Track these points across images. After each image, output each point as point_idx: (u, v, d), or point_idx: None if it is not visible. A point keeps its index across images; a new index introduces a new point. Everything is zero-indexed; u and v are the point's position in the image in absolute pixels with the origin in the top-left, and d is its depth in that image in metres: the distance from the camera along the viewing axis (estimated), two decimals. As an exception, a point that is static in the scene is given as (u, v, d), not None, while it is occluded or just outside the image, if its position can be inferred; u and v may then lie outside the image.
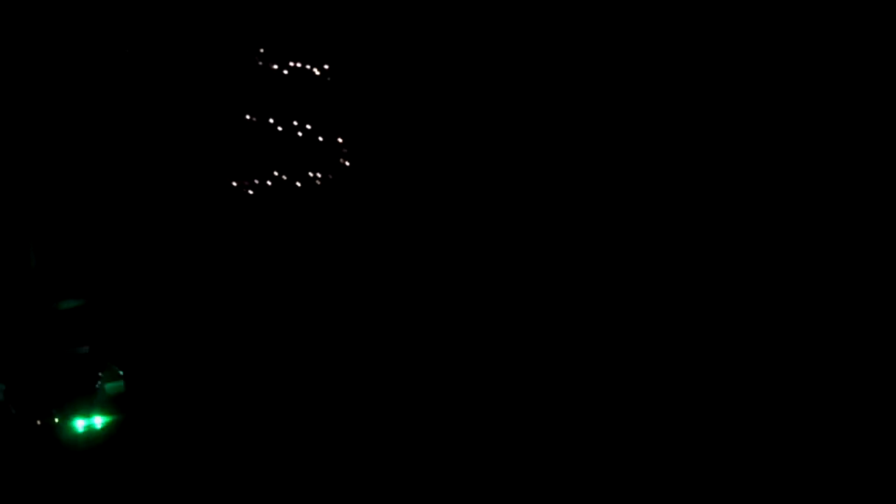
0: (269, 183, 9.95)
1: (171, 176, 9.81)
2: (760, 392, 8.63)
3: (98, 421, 8.34)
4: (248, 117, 10.01)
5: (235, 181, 9.91)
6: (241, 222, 9.95)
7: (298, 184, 9.97)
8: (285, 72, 10.06)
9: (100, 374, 8.46)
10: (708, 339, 9.23)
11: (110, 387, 8.46)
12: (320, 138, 10.09)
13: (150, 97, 9.81)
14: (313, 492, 7.99)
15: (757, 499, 7.64)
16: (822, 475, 7.69)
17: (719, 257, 9.82)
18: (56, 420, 8.23)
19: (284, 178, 9.98)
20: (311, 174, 10.05)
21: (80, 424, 8.28)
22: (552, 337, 9.50)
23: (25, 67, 9.48)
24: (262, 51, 10.03)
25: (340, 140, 10.14)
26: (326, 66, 10.14)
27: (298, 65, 10.09)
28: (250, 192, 9.93)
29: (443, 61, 10.23)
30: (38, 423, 8.27)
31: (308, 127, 10.06)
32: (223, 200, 9.91)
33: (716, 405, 8.55)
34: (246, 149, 10.02)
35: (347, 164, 10.12)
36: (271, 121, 10.02)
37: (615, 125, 10.23)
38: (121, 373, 8.50)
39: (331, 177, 10.08)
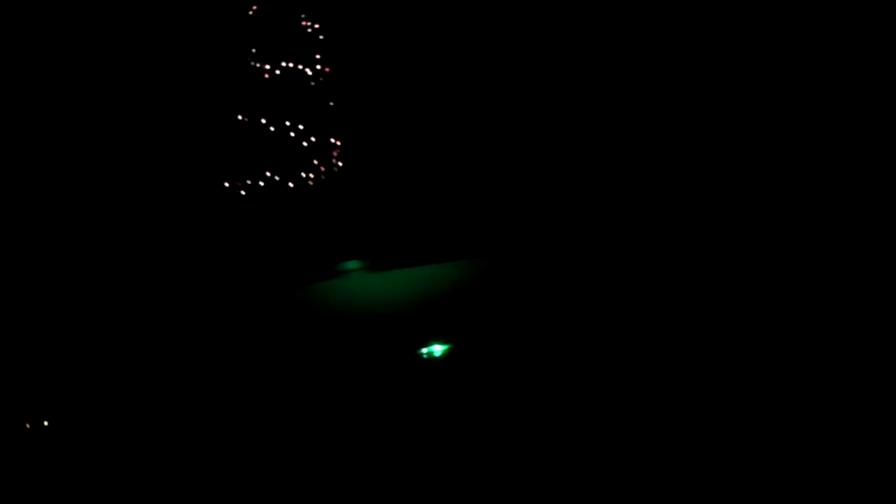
0: (261, 183, 9.97)
1: (164, 176, 9.84)
2: (761, 392, 8.62)
3: None
4: (239, 117, 10.02)
5: (227, 182, 9.93)
6: (234, 223, 9.98)
7: (291, 184, 9.99)
8: (277, 72, 10.05)
9: None
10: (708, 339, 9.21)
11: None
12: (313, 139, 10.09)
13: (140, 97, 9.83)
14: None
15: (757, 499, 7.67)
16: (822, 475, 7.69)
17: (719, 257, 9.78)
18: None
19: (277, 178, 9.99)
20: (303, 175, 10.06)
21: None
22: (549, 336, 9.48)
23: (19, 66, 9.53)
24: (253, 50, 10.04)
25: (333, 140, 10.14)
26: (319, 66, 10.13)
27: (290, 65, 10.08)
28: (242, 192, 9.95)
29: (437, 61, 10.21)
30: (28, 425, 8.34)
31: (301, 127, 10.06)
32: (215, 201, 9.93)
33: (716, 405, 8.57)
34: (238, 149, 10.02)
35: (341, 164, 10.13)
36: (263, 121, 10.02)
37: (610, 129, 10.19)
38: None
39: (324, 178, 10.09)
